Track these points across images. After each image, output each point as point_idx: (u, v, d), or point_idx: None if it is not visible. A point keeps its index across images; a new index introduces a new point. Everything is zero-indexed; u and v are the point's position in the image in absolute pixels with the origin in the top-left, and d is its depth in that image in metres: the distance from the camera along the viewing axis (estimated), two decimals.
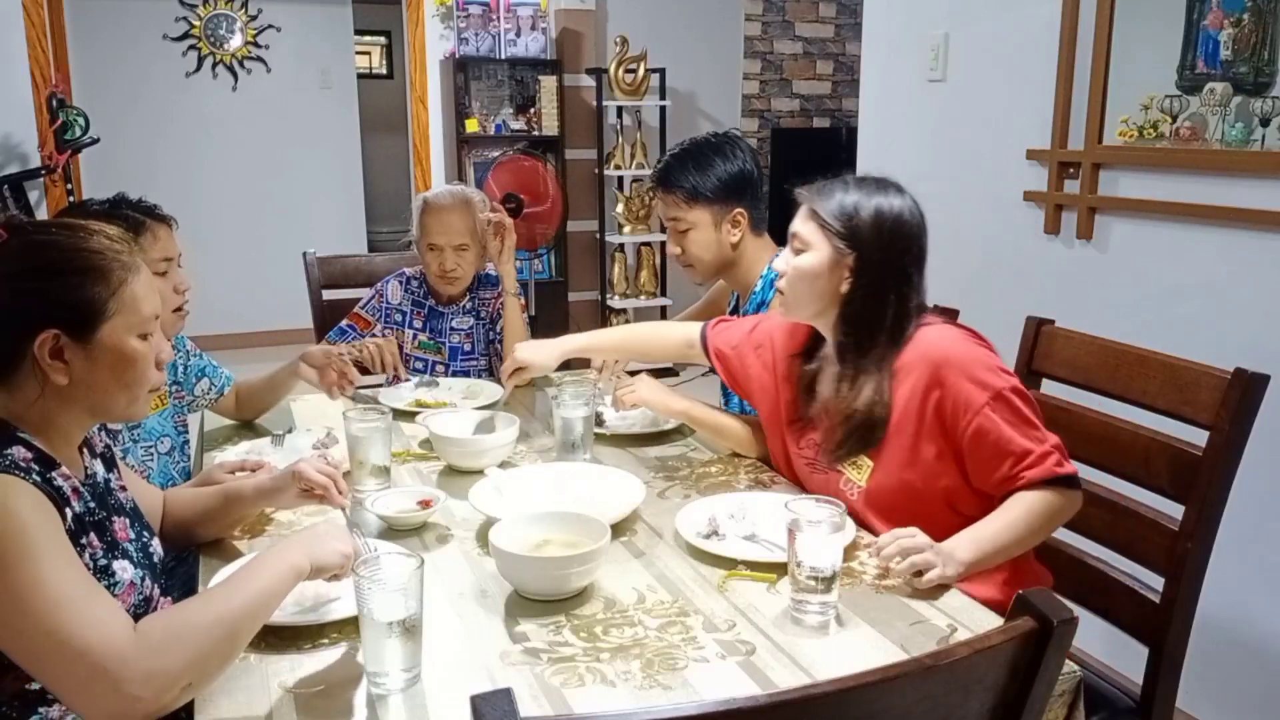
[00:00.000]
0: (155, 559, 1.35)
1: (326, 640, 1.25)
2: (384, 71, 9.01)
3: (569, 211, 5.31)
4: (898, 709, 0.85)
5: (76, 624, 1.04)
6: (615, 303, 5.38)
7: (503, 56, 5.22)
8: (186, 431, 2.10)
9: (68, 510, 1.16)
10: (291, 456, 1.74)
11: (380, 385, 2.48)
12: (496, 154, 5.15)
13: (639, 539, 1.56)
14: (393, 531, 1.58)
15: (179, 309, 1.93)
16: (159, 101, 5.80)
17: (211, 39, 5.86)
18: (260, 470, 1.65)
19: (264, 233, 6.02)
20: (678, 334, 2.04)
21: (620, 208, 5.29)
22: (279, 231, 5.99)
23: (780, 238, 1.84)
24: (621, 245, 5.42)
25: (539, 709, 1.10)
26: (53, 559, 1.07)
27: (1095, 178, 2.46)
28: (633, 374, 2.04)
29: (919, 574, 1.37)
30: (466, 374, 2.49)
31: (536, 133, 5.28)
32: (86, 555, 1.18)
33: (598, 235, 5.46)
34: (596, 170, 5.39)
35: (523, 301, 2.52)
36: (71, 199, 4.56)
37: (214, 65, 5.89)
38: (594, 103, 5.33)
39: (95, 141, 4.66)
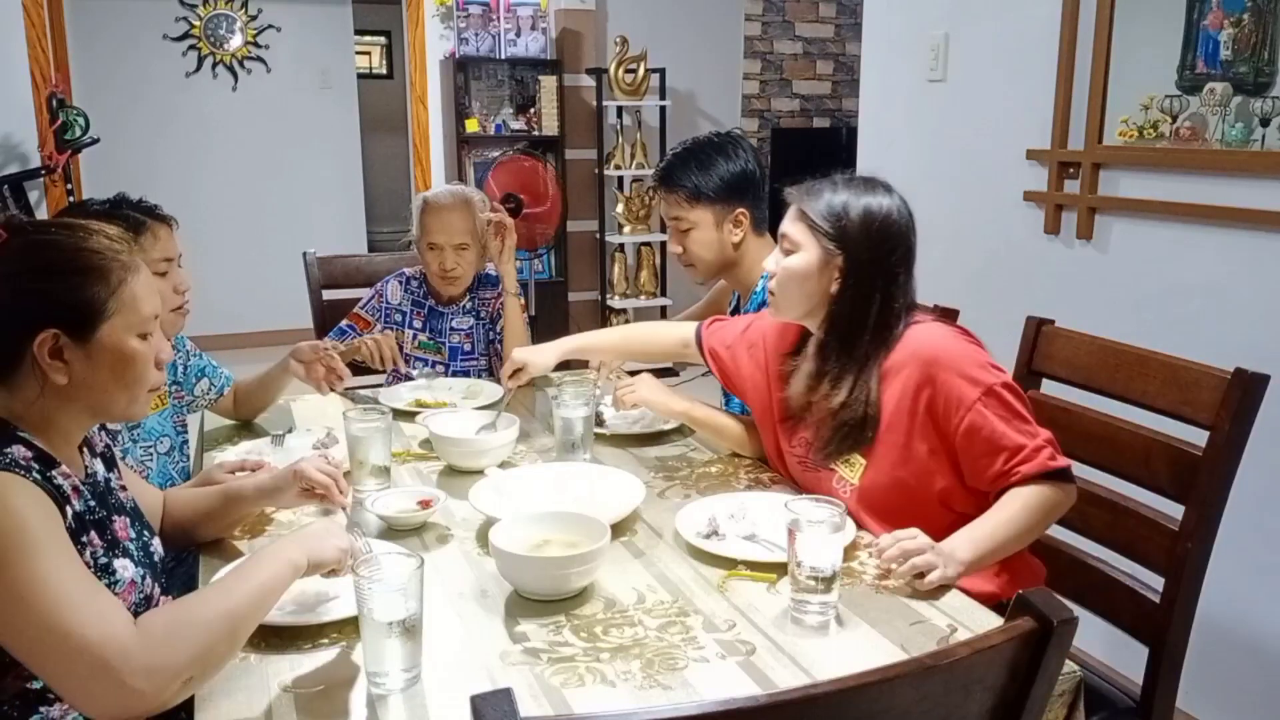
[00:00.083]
0: (156, 558, 1.36)
1: (326, 640, 1.25)
2: (384, 71, 9.01)
3: (569, 211, 5.32)
4: (898, 709, 0.85)
5: (78, 620, 1.04)
6: (615, 303, 5.38)
7: (503, 56, 5.22)
8: (186, 431, 2.10)
9: (68, 508, 1.16)
10: (291, 457, 1.74)
11: (380, 385, 2.48)
12: (496, 154, 5.15)
13: (639, 539, 1.56)
14: (393, 531, 1.58)
15: (179, 309, 1.93)
16: (159, 101, 5.80)
17: (211, 39, 5.86)
18: (260, 470, 1.65)
19: (264, 233, 6.02)
20: (674, 334, 2.05)
21: (620, 208, 5.29)
22: (279, 231, 5.99)
23: None
24: (621, 245, 5.42)
25: (539, 709, 1.10)
26: (53, 556, 1.07)
27: (1095, 178, 2.46)
28: (633, 374, 2.04)
29: (920, 575, 1.37)
30: (466, 374, 2.49)
31: (536, 133, 5.28)
32: (87, 554, 1.18)
33: (598, 235, 5.46)
34: (596, 170, 5.39)
35: (523, 301, 2.52)
36: (71, 199, 4.56)
37: (214, 65, 5.89)
38: (594, 103, 5.33)
39: (95, 141, 4.66)
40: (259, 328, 5.75)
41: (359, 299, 2.57)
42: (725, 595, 1.38)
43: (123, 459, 1.53)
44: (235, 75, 5.94)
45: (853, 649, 1.25)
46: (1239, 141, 2.14)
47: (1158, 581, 1.61)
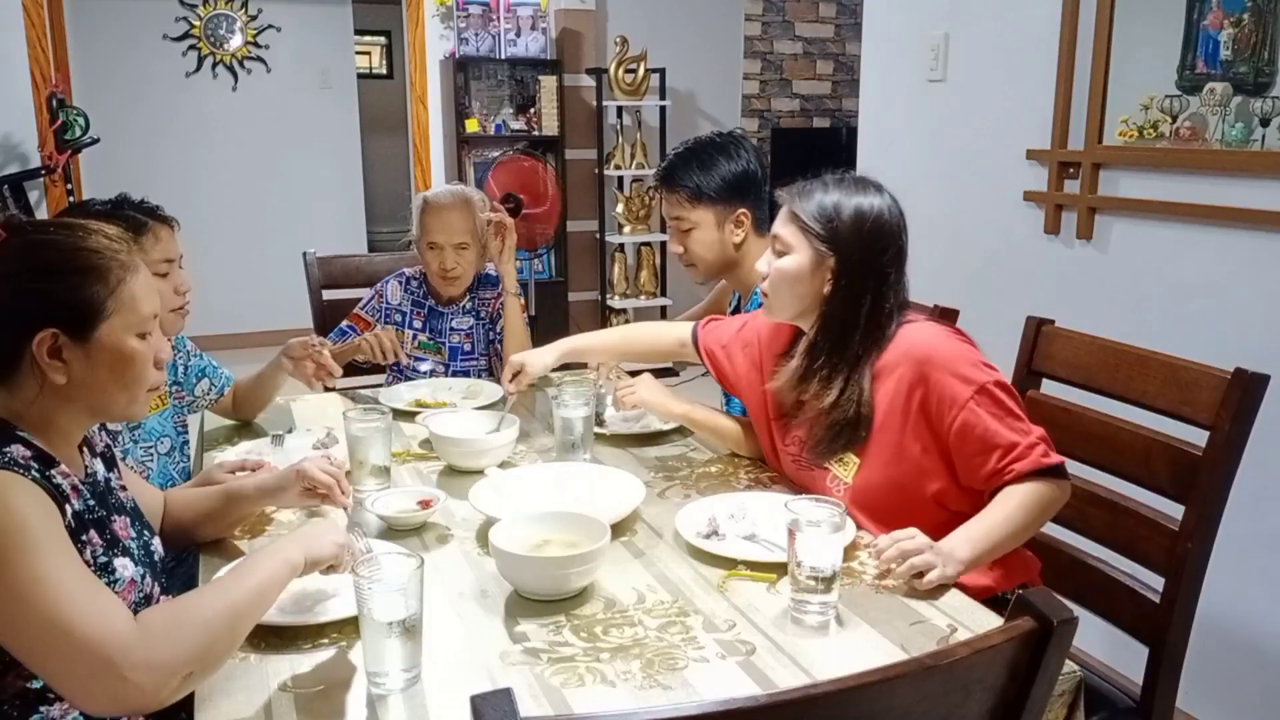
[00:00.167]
0: (156, 557, 1.36)
1: (326, 640, 1.25)
2: (384, 71, 9.01)
3: (569, 211, 5.31)
4: (898, 709, 0.85)
5: (78, 617, 1.04)
6: (615, 303, 5.38)
7: (503, 56, 5.22)
8: (186, 432, 2.10)
9: (67, 507, 1.16)
10: (291, 457, 1.74)
11: (380, 385, 2.48)
12: (496, 154, 5.16)
13: (639, 539, 1.56)
14: (393, 531, 1.58)
15: (180, 310, 1.93)
16: (159, 101, 5.79)
17: (211, 39, 5.86)
18: (260, 470, 1.65)
19: (264, 233, 6.02)
20: (672, 334, 2.05)
21: (620, 208, 5.29)
22: (279, 231, 5.99)
23: None
24: (621, 245, 5.42)
25: (539, 709, 1.10)
26: (53, 554, 1.07)
27: (1095, 178, 2.46)
28: (634, 374, 2.04)
29: (919, 575, 1.37)
30: (466, 374, 2.49)
31: (536, 133, 5.28)
32: (87, 552, 1.18)
33: (598, 235, 5.46)
34: (596, 170, 5.39)
35: (523, 301, 2.52)
36: (71, 199, 4.56)
37: (214, 65, 5.89)
38: (594, 103, 5.32)
39: (95, 141, 4.66)
40: (259, 328, 5.74)
41: (359, 299, 2.57)
42: (725, 595, 1.38)
43: (123, 459, 1.53)
44: (235, 75, 5.94)
45: (853, 649, 1.25)
46: (1239, 141, 2.14)
47: (1158, 581, 1.61)
